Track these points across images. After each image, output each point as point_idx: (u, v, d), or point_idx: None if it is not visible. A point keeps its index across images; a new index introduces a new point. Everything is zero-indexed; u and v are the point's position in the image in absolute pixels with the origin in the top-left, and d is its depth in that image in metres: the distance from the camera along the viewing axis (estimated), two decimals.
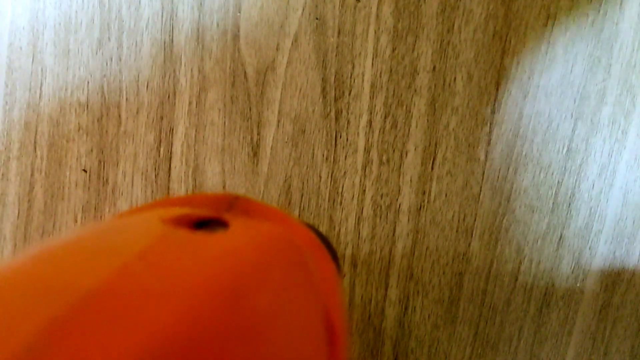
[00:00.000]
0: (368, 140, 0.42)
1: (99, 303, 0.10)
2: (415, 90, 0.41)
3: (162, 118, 0.44)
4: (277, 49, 0.42)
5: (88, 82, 0.45)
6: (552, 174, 0.41)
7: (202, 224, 0.17)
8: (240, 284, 0.13)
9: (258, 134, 0.43)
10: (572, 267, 0.42)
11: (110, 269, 0.11)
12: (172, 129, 0.44)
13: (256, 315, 0.13)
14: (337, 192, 0.42)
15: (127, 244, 0.13)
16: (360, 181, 0.42)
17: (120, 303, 0.10)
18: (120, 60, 0.44)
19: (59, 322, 0.09)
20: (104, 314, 0.10)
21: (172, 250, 0.13)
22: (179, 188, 0.44)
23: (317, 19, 0.41)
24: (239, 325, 0.12)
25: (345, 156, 0.42)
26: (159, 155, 0.44)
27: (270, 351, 0.12)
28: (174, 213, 0.17)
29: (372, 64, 0.41)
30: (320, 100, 0.42)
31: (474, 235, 0.42)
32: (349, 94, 0.41)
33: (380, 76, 0.41)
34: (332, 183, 0.42)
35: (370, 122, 0.41)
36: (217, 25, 0.42)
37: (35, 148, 0.46)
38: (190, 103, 0.43)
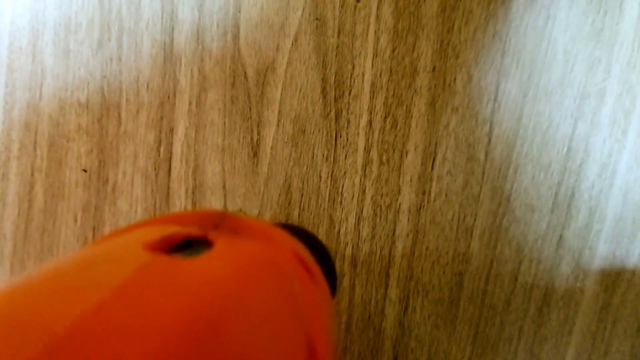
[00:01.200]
0: (368, 140, 0.42)
1: (72, 345, 0.10)
2: (415, 90, 0.41)
3: (162, 118, 0.44)
4: (277, 49, 0.42)
5: (88, 83, 0.45)
6: (552, 173, 0.41)
7: (189, 243, 0.17)
8: (216, 315, 0.13)
9: (258, 134, 0.43)
10: (572, 267, 0.42)
11: (86, 306, 0.11)
12: (172, 129, 0.44)
13: (233, 346, 0.12)
14: (337, 192, 0.42)
15: (106, 277, 0.13)
16: (360, 181, 0.42)
17: (93, 344, 0.10)
18: (120, 60, 0.44)
19: None
20: (76, 356, 0.10)
21: (149, 281, 0.13)
22: (179, 188, 0.44)
23: (317, 19, 0.41)
24: (217, 355, 0.12)
25: (345, 156, 0.42)
26: (159, 155, 0.44)
27: None
28: (158, 235, 0.16)
29: (372, 64, 0.41)
30: (320, 100, 0.42)
31: (474, 235, 0.42)
32: (349, 94, 0.41)
33: (380, 76, 0.41)
34: (332, 183, 0.42)
35: (370, 122, 0.41)
36: (217, 25, 0.42)
37: (35, 148, 0.46)
38: (190, 103, 0.43)
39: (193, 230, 0.18)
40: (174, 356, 0.11)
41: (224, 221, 0.20)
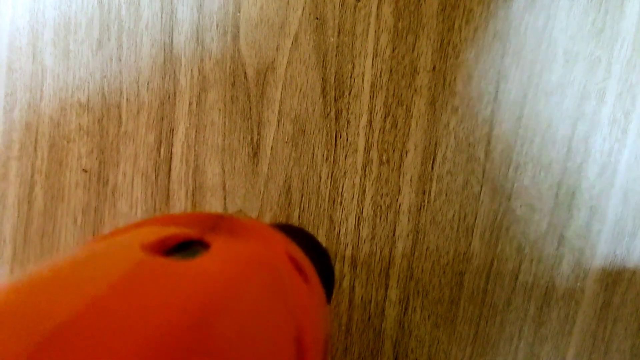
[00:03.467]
0: (368, 140, 0.42)
1: (68, 335, 0.11)
2: (416, 90, 0.41)
3: (162, 118, 0.44)
4: (277, 49, 0.42)
5: (88, 83, 0.45)
6: (553, 173, 0.41)
7: (185, 245, 0.18)
8: (208, 312, 0.13)
9: (258, 134, 0.43)
10: (573, 267, 0.42)
11: (83, 300, 0.12)
12: (173, 130, 0.44)
13: (223, 341, 0.13)
14: (337, 192, 0.42)
15: (103, 273, 0.14)
16: (360, 181, 0.42)
17: (88, 335, 0.11)
18: (120, 60, 0.44)
19: (27, 356, 0.10)
20: (72, 346, 0.10)
21: (145, 279, 0.14)
22: (179, 189, 0.44)
23: (317, 19, 0.41)
24: (204, 352, 0.12)
25: (345, 156, 0.42)
26: (159, 156, 0.44)
27: None
28: (155, 236, 0.17)
29: (372, 63, 0.41)
30: (320, 100, 0.42)
31: (474, 234, 0.42)
32: (349, 94, 0.41)
33: (380, 76, 0.41)
34: (332, 183, 0.42)
35: (370, 122, 0.41)
36: (217, 25, 0.42)
37: (35, 149, 0.46)
38: (190, 103, 0.43)
39: (190, 232, 0.19)
40: (165, 350, 0.11)
41: (221, 223, 0.21)
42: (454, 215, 0.42)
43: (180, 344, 0.12)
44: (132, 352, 0.11)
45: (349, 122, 0.42)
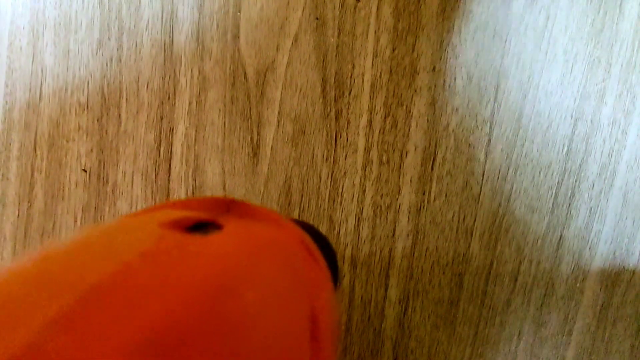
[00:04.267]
0: (368, 140, 0.42)
1: (101, 297, 0.11)
2: (415, 90, 0.41)
3: (162, 118, 0.44)
4: (277, 49, 0.42)
5: (88, 83, 0.45)
6: (552, 174, 0.41)
7: (199, 227, 0.18)
8: (227, 282, 0.14)
9: (258, 134, 0.43)
10: (572, 267, 0.41)
11: (113, 267, 0.12)
12: (172, 129, 0.44)
13: (242, 309, 0.14)
14: (337, 193, 0.42)
15: (128, 245, 0.14)
16: (360, 181, 0.42)
17: (120, 297, 0.11)
18: (120, 60, 0.44)
19: (65, 312, 0.10)
20: (105, 307, 0.11)
21: (167, 251, 0.14)
22: (179, 188, 0.44)
23: (317, 19, 0.41)
24: (225, 318, 0.13)
25: (345, 156, 0.42)
26: (159, 156, 0.44)
27: (254, 340, 0.13)
28: (171, 217, 0.18)
29: (372, 64, 0.41)
30: (320, 100, 0.42)
31: (474, 235, 0.42)
32: (349, 94, 0.41)
33: (380, 76, 0.41)
34: (332, 183, 0.42)
35: (370, 122, 0.41)
36: (217, 25, 0.42)
37: (35, 148, 0.46)
38: (190, 103, 0.43)
39: (203, 215, 0.19)
40: (190, 314, 0.12)
41: (232, 207, 0.21)
42: (453, 216, 0.42)
43: (206, 309, 0.12)
44: (164, 313, 0.11)
45: (349, 122, 0.42)
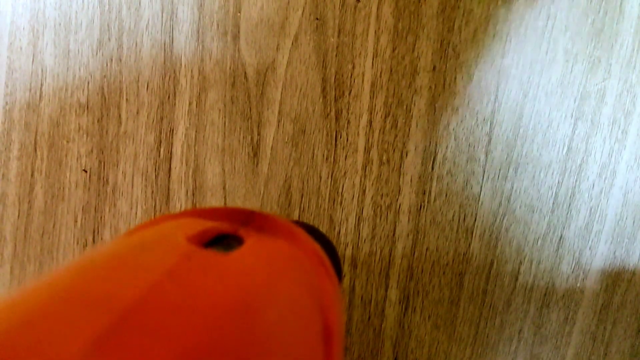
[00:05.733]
0: (368, 140, 0.42)
1: (135, 317, 0.12)
2: (416, 90, 0.41)
3: (162, 118, 0.44)
4: (277, 49, 0.42)
5: (88, 83, 0.45)
6: (552, 173, 0.41)
7: (220, 238, 0.19)
8: (251, 301, 0.15)
9: (258, 134, 0.43)
10: (573, 267, 0.41)
11: (143, 285, 0.13)
12: (172, 130, 0.44)
13: (264, 326, 0.14)
14: (337, 192, 0.42)
15: (156, 262, 0.15)
16: (361, 181, 0.42)
17: (153, 318, 0.12)
18: (120, 60, 0.44)
19: (104, 333, 0.11)
20: (140, 327, 0.12)
21: (195, 269, 0.15)
22: (179, 188, 0.44)
23: (317, 19, 0.41)
24: (250, 335, 0.14)
25: (346, 156, 0.42)
26: (159, 156, 0.44)
27: (275, 356, 0.14)
28: (197, 229, 0.19)
29: (372, 64, 0.41)
30: (320, 100, 0.42)
31: (474, 235, 0.42)
32: (349, 94, 0.41)
33: (381, 76, 0.41)
34: (332, 183, 0.42)
35: (370, 122, 0.41)
36: (217, 25, 0.42)
37: (35, 148, 0.46)
38: (190, 103, 0.43)
39: (225, 227, 0.20)
40: (220, 333, 0.13)
41: (252, 219, 0.22)
42: (453, 216, 0.42)
43: (232, 328, 0.13)
44: (195, 333, 0.12)
45: (349, 122, 0.42)
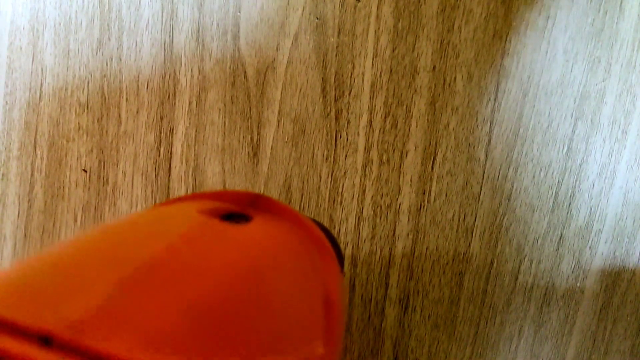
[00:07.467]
0: (368, 140, 0.42)
1: (153, 272, 0.13)
2: (416, 90, 0.41)
3: (162, 118, 0.44)
4: (277, 49, 0.42)
5: (88, 82, 0.45)
6: (553, 173, 0.41)
7: (229, 216, 0.21)
8: (258, 266, 0.16)
9: (258, 134, 0.43)
10: (573, 267, 0.42)
11: (160, 247, 0.14)
12: (172, 129, 0.44)
13: (270, 289, 0.16)
14: (337, 192, 0.42)
15: (171, 228, 0.16)
16: (361, 181, 0.42)
17: (169, 273, 0.13)
18: (120, 60, 0.44)
19: (126, 281, 0.12)
20: (158, 280, 0.13)
21: (207, 235, 0.17)
22: (179, 188, 0.44)
23: (317, 18, 0.41)
24: (256, 296, 0.15)
25: (345, 156, 0.42)
26: (159, 155, 0.44)
27: (277, 315, 0.15)
28: (207, 206, 0.20)
29: (372, 63, 0.41)
30: (320, 100, 0.42)
31: (474, 234, 0.42)
32: (349, 94, 0.41)
33: (380, 76, 0.41)
34: (332, 183, 0.42)
35: (370, 122, 0.41)
36: (217, 25, 0.42)
37: (35, 148, 0.46)
38: (190, 103, 0.43)
39: (234, 207, 0.22)
40: (227, 292, 0.14)
41: (258, 201, 0.24)
42: (453, 215, 0.42)
43: (241, 290, 0.14)
44: (206, 288, 0.13)
45: (349, 122, 0.42)
